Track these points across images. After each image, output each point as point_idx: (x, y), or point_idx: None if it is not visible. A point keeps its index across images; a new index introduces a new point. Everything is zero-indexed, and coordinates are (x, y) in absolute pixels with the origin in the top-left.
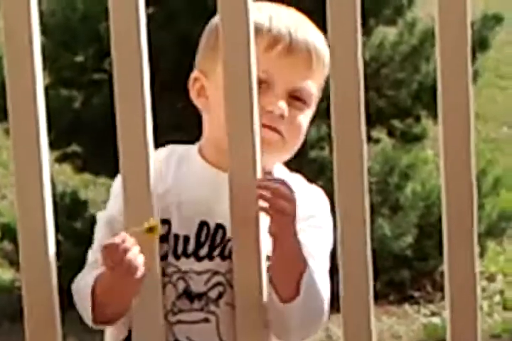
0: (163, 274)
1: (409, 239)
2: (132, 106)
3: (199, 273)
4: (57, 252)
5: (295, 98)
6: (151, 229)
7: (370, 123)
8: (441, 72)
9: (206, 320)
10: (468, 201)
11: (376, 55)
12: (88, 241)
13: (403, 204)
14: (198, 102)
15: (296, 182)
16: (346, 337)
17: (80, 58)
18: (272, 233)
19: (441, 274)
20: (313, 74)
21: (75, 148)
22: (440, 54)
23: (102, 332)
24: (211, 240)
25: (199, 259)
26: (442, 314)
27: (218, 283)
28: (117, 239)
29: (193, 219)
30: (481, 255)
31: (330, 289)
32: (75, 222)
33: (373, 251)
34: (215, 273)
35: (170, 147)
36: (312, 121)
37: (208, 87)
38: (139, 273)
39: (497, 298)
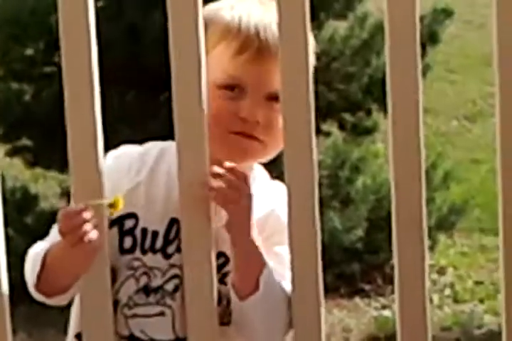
0: (129, 267)
1: (359, 232)
2: (81, 99)
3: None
4: (7, 247)
5: (273, 99)
6: (113, 204)
7: (321, 117)
8: (390, 65)
9: (162, 314)
10: (417, 194)
11: (327, 49)
12: (39, 236)
13: (354, 198)
14: None
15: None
16: (296, 330)
17: (30, 51)
18: (226, 227)
19: (392, 267)
20: None
21: (25, 141)
22: (389, 48)
23: (51, 328)
24: (180, 238)
25: (166, 256)
26: (393, 307)
27: (174, 276)
28: (78, 208)
29: (164, 215)
30: (432, 248)
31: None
32: (25, 216)
33: (324, 244)
34: (172, 265)
35: (150, 143)
36: None
37: None
38: (90, 248)
39: (447, 291)
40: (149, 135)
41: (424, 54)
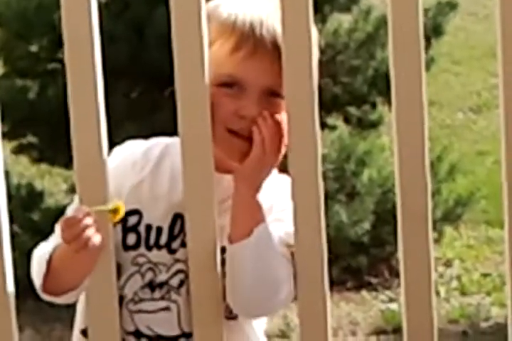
0: (133, 263)
1: (366, 226)
2: (85, 95)
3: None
4: (13, 243)
5: (272, 95)
6: (115, 211)
7: (326, 111)
8: (393, 58)
9: (167, 309)
10: (422, 187)
11: (331, 42)
12: (45, 232)
13: (360, 191)
14: None
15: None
16: (302, 324)
17: (34, 48)
18: (239, 173)
19: (398, 260)
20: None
21: (30, 138)
22: (393, 41)
23: (58, 324)
24: (185, 233)
25: (171, 252)
26: (400, 300)
27: (179, 271)
28: (79, 214)
29: (168, 211)
30: (438, 241)
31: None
32: (31, 213)
33: (330, 237)
34: (177, 261)
35: (155, 139)
36: None
37: None
38: (94, 251)
39: (454, 284)
40: (154, 130)
41: (428, 46)
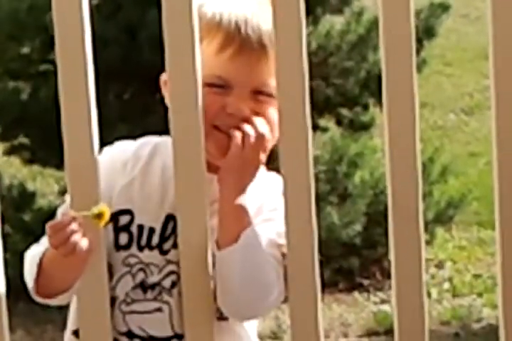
0: (125, 264)
1: (357, 227)
2: (77, 97)
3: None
4: (4, 244)
5: (260, 93)
6: (99, 215)
7: (318, 112)
8: (385, 60)
9: (159, 310)
10: (413, 189)
11: (323, 44)
12: (37, 233)
13: (352, 193)
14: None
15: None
16: (294, 325)
17: (26, 50)
18: (223, 176)
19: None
20: (272, 66)
21: (22, 140)
22: (384, 42)
23: (50, 325)
24: (176, 234)
25: (163, 253)
26: (392, 302)
27: (171, 272)
28: (65, 220)
29: (160, 211)
30: (430, 242)
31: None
32: (23, 213)
33: (322, 239)
34: (169, 262)
35: (144, 139)
36: None
37: None
38: (83, 255)
39: (446, 285)
40: (146, 132)
41: (420, 48)
